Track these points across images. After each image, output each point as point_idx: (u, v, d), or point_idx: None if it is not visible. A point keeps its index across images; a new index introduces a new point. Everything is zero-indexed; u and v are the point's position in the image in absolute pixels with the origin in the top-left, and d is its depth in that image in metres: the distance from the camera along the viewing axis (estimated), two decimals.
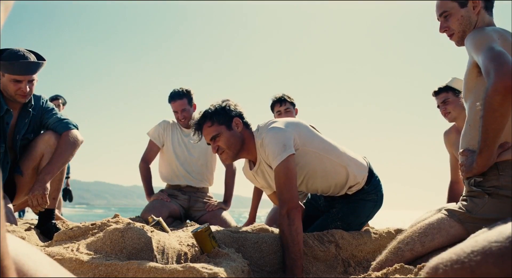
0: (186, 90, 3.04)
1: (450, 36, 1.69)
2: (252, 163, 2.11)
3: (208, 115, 1.97)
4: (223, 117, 1.96)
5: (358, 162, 2.10)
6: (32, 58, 2.12)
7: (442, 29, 1.70)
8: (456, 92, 2.59)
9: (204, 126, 1.98)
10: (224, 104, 2.00)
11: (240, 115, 2.02)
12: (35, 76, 2.15)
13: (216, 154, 2.04)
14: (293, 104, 3.12)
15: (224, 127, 1.96)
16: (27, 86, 2.10)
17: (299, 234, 1.76)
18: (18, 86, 2.09)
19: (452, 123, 2.69)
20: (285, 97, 3.09)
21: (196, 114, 2.05)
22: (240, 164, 2.31)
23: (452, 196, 2.66)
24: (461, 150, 1.60)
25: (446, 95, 2.60)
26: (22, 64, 2.05)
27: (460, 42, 1.68)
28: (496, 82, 1.29)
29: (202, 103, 3.12)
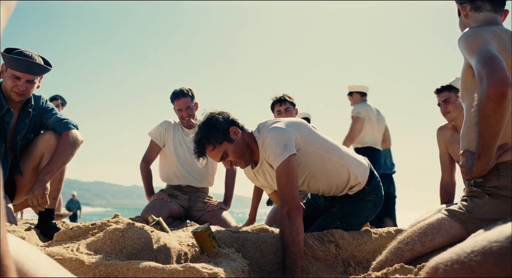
0: (189, 88, 3.06)
1: None
2: (253, 162, 2.11)
3: (205, 141, 1.90)
4: (219, 134, 1.90)
5: (359, 163, 2.10)
6: (38, 61, 2.13)
7: None
8: (458, 92, 2.58)
9: (207, 151, 1.93)
10: (212, 120, 1.92)
11: (232, 122, 1.96)
12: (36, 80, 2.15)
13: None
14: (293, 104, 3.12)
15: (225, 143, 1.91)
16: (24, 85, 2.10)
17: (300, 234, 1.76)
18: (16, 83, 2.09)
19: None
20: (286, 97, 3.10)
21: (199, 116, 2.01)
22: None
23: (446, 198, 2.62)
24: (461, 151, 1.60)
25: (448, 95, 2.59)
26: (25, 62, 2.06)
27: None
28: (489, 89, 1.29)
29: (202, 104, 3.13)
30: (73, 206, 13.38)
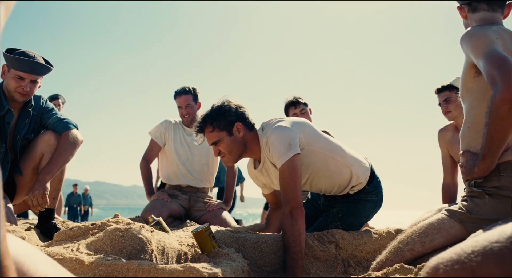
0: (192, 87, 3.07)
1: None
2: (257, 162, 2.10)
3: (208, 120, 1.94)
4: (224, 122, 1.92)
5: (361, 162, 2.10)
6: (41, 61, 2.14)
7: None
8: (458, 91, 2.58)
9: (205, 131, 1.96)
10: (225, 107, 1.95)
11: (241, 118, 1.96)
12: (39, 79, 2.16)
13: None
14: (306, 104, 3.13)
15: (224, 133, 1.93)
16: (28, 86, 2.11)
17: (301, 234, 1.75)
18: (20, 83, 2.09)
19: (450, 122, 2.68)
20: (298, 99, 3.10)
21: (199, 114, 2.03)
22: (240, 164, 2.30)
23: (448, 199, 2.62)
24: (461, 152, 1.59)
25: (448, 94, 2.60)
26: (29, 62, 2.07)
27: None
28: (503, 91, 1.27)
29: (203, 101, 3.13)
30: (86, 201, 12.29)
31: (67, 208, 11.61)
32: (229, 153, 1.96)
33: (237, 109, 1.97)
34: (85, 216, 12.02)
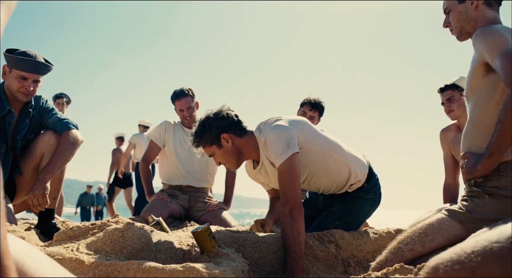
0: (189, 88, 3.08)
1: (451, 31, 1.70)
2: (255, 162, 2.10)
3: (197, 138, 1.98)
4: (209, 138, 1.94)
5: (359, 160, 2.11)
6: (41, 60, 2.14)
7: (445, 24, 1.72)
8: (462, 91, 2.57)
9: (200, 146, 2.02)
10: (206, 123, 1.96)
11: (227, 128, 1.95)
12: (40, 78, 2.17)
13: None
14: (321, 114, 3.13)
15: (214, 146, 1.96)
16: (31, 86, 2.12)
17: (301, 234, 1.75)
18: (23, 83, 2.10)
19: (452, 122, 2.68)
20: (321, 105, 3.08)
21: (198, 117, 2.05)
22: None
23: (449, 200, 2.62)
24: (462, 153, 1.59)
25: (451, 93, 2.59)
26: (31, 62, 2.09)
27: (460, 38, 1.67)
28: None
29: (205, 103, 3.14)
30: (100, 201, 11.81)
31: (79, 208, 11.55)
32: (226, 162, 2.01)
33: (218, 121, 1.95)
34: (99, 216, 11.58)
